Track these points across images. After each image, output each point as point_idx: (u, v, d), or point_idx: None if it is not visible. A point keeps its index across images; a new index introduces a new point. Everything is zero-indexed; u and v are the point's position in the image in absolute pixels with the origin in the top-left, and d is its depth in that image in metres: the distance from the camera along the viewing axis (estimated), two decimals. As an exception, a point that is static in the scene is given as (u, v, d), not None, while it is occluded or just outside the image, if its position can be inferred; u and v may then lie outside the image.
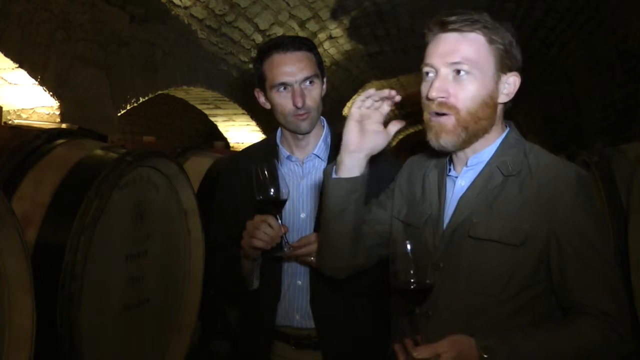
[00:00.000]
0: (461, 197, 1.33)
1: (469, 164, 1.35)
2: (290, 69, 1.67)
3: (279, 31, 4.71)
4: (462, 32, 1.27)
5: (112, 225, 1.81)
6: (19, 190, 1.67)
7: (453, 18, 1.27)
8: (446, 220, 1.34)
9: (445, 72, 1.27)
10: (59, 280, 1.55)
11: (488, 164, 1.32)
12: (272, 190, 1.55)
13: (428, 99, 1.28)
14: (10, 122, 2.73)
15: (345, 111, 8.60)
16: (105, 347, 1.81)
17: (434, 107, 1.27)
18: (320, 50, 5.66)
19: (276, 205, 1.58)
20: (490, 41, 1.27)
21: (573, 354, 1.21)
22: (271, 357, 1.75)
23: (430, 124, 1.29)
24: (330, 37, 5.53)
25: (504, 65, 1.28)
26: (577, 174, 1.28)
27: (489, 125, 1.30)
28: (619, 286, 1.26)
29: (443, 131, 1.27)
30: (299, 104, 1.67)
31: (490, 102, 1.28)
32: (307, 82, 1.69)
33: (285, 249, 1.60)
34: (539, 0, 4.70)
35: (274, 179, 1.56)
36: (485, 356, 1.15)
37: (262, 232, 1.56)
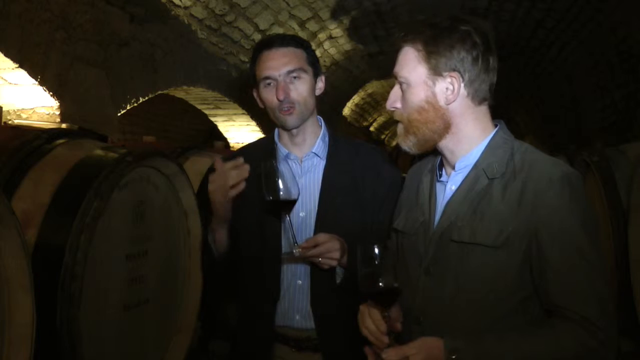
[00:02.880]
0: (448, 202, 1.34)
1: (456, 167, 1.36)
2: (275, 63, 1.69)
3: (279, 31, 4.71)
4: (400, 46, 1.36)
5: (112, 225, 1.81)
6: (19, 190, 1.67)
7: (397, 34, 1.38)
8: (435, 225, 1.35)
9: (397, 84, 1.37)
10: (59, 280, 1.55)
11: (475, 166, 1.33)
12: (282, 190, 1.52)
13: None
14: (10, 122, 2.73)
15: (345, 111, 8.60)
16: (105, 347, 1.81)
17: (393, 116, 1.40)
18: (320, 50, 5.67)
19: (286, 205, 1.56)
20: (419, 50, 1.32)
21: (546, 359, 1.19)
22: (271, 359, 1.73)
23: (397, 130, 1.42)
24: (330, 37, 5.53)
25: (440, 69, 1.30)
26: (563, 172, 1.26)
27: (439, 128, 1.33)
28: (603, 290, 1.22)
29: (399, 137, 1.39)
30: (281, 97, 1.66)
31: (427, 107, 1.31)
32: (292, 76, 1.69)
33: (295, 251, 1.56)
34: (539, 0, 4.70)
35: (283, 178, 1.53)
36: (453, 357, 1.15)
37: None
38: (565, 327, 1.20)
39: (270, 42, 1.73)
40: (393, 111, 1.39)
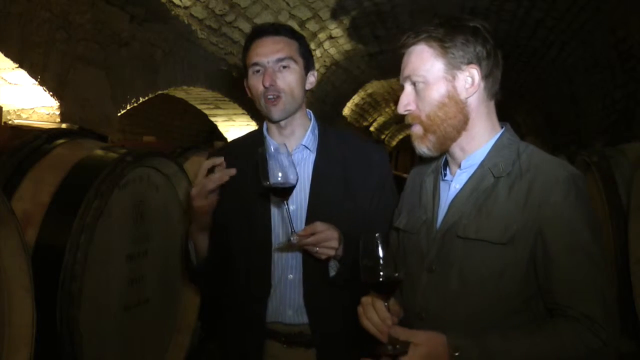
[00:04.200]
0: (453, 200, 1.35)
1: (462, 166, 1.36)
2: (264, 50, 1.66)
3: (279, 31, 4.71)
4: (409, 46, 1.36)
5: (112, 225, 1.81)
6: (19, 190, 1.67)
7: (404, 37, 1.36)
8: (439, 223, 1.35)
9: (407, 86, 1.36)
10: (59, 280, 1.55)
11: (480, 165, 1.34)
12: (280, 175, 1.49)
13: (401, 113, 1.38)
14: (10, 122, 2.73)
15: (345, 111, 8.60)
16: (105, 347, 1.81)
17: (406, 120, 1.38)
18: (320, 50, 5.67)
19: (285, 191, 1.52)
20: (434, 46, 1.32)
21: (549, 357, 1.19)
22: (262, 357, 1.68)
23: (411, 134, 1.39)
24: (330, 37, 5.53)
25: (458, 62, 1.31)
26: (569, 173, 1.27)
27: (460, 122, 1.33)
28: (606, 289, 1.23)
29: (416, 140, 1.37)
30: (267, 83, 1.64)
31: (449, 102, 1.31)
32: (281, 64, 1.66)
33: (292, 239, 1.51)
34: (539, 0, 4.70)
35: (281, 164, 1.50)
36: (456, 354, 1.15)
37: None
38: (568, 325, 1.21)
39: (263, 30, 1.70)
40: (406, 115, 1.37)
